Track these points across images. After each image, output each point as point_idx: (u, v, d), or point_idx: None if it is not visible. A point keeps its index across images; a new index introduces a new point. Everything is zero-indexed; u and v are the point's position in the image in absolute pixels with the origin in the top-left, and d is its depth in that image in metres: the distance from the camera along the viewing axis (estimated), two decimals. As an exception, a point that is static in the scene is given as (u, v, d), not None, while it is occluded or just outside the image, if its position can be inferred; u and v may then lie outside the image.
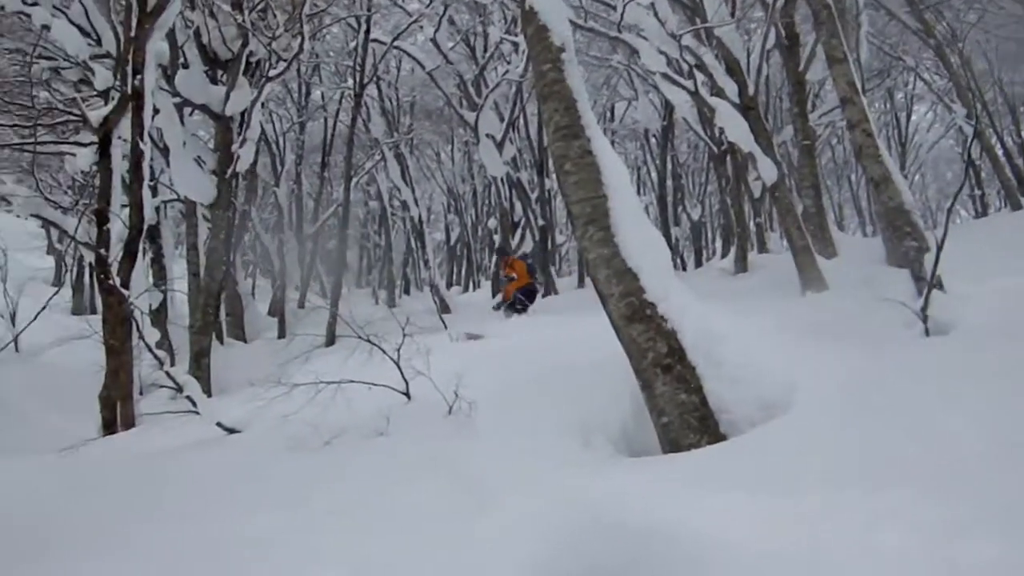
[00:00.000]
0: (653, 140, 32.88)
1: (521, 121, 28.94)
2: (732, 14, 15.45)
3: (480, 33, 27.52)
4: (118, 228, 11.09)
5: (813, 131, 18.05)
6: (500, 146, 24.99)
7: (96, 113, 11.34)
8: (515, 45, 25.50)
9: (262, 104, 16.76)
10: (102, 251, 10.45)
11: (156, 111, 13.38)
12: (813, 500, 3.86)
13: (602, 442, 6.15)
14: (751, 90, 14.26)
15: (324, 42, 27.54)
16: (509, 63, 26.61)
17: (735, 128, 13.12)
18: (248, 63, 15.92)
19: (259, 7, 16.10)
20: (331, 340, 16.27)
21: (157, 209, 18.79)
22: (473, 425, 6.33)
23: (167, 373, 8.20)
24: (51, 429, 11.52)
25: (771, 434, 5.08)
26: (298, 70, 26.71)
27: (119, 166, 11.38)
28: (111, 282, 9.88)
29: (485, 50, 27.37)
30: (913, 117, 37.41)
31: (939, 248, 7.72)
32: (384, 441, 6.38)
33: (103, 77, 13.33)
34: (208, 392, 13.05)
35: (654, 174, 33.49)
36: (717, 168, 25.62)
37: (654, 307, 5.79)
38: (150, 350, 8.73)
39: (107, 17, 15.03)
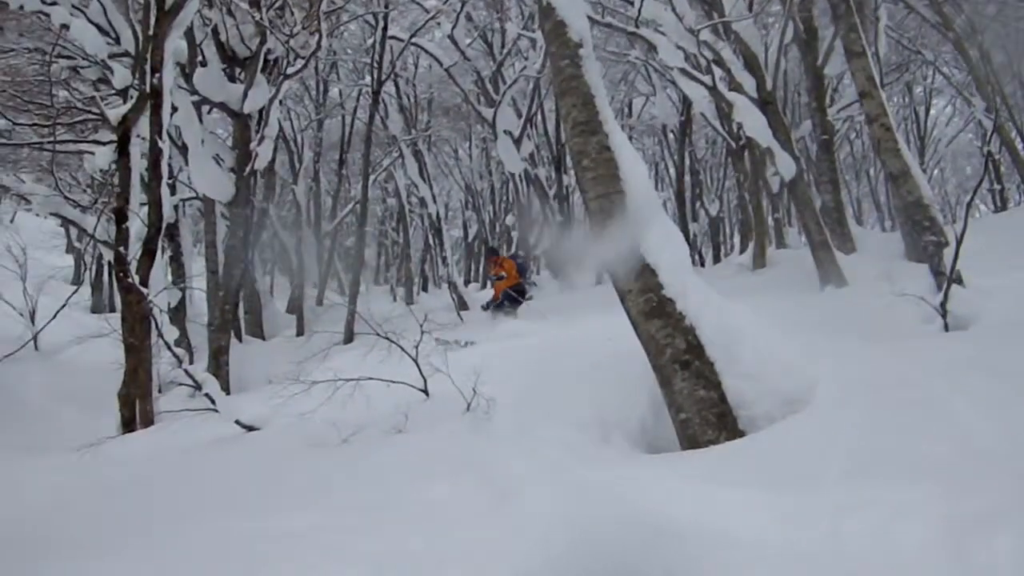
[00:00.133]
0: (671, 136, 32.81)
1: (539, 117, 28.94)
2: (750, 8, 15.43)
3: (497, 29, 27.58)
4: (137, 226, 11.15)
5: (831, 126, 17.95)
6: (518, 142, 25.02)
7: (115, 112, 11.39)
8: (532, 41, 25.56)
9: (280, 102, 16.79)
10: (121, 249, 10.49)
11: (174, 109, 13.45)
12: (833, 496, 3.83)
13: (620, 438, 6.14)
14: (769, 85, 14.21)
15: (342, 39, 27.60)
16: (526, 59, 26.67)
17: (753, 123, 13.10)
18: (266, 61, 15.96)
19: (277, 5, 16.14)
20: (349, 337, 16.29)
21: (176, 207, 18.92)
22: (492, 422, 6.32)
23: (186, 371, 8.22)
24: (70, 427, 11.56)
25: (790, 430, 5.06)
26: (316, 67, 26.82)
27: (138, 164, 11.43)
28: (130, 280, 9.93)
29: (502, 46, 27.42)
30: (932, 111, 37.26)
31: (958, 243, 7.69)
32: (403, 438, 6.37)
33: (122, 76, 13.40)
34: (227, 390, 13.07)
35: (672, 170, 33.42)
36: (735, 163, 25.59)
37: (672, 303, 5.78)
38: (169, 348, 8.78)
39: (125, 16, 15.12)
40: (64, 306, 16.39)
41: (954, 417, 4.56)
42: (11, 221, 33.46)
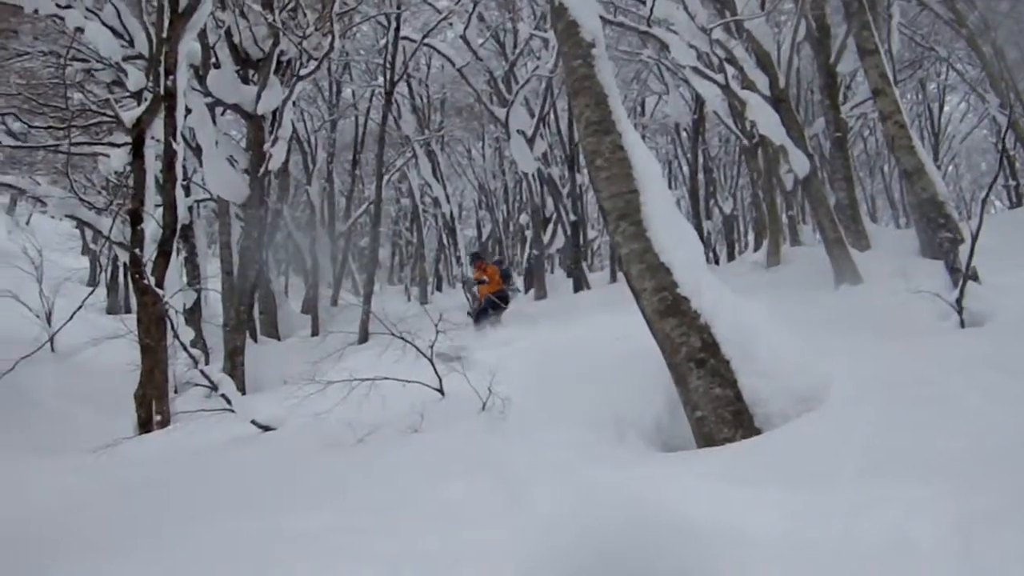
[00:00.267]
0: (684, 134, 32.70)
1: (552, 117, 28.87)
2: (762, 7, 15.39)
3: (510, 29, 27.54)
4: (152, 228, 11.20)
5: (845, 123, 17.89)
6: (531, 142, 25.00)
7: (129, 114, 11.45)
8: (545, 41, 25.51)
9: (293, 103, 16.84)
10: (136, 251, 10.53)
11: (188, 111, 13.50)
12: (848, 493, 3.83)
13: (635, 437, 6.15)
14: (782, 82, 14.16)
15: (354, 40, 27.64)
16: (539, 59, 26.63)
17: (766, 121, 13.07)
18: (279, 62, 16.01)
19: (289, 6, 16.18)
20: (364, 337, 16.29)
21: (190, 208, 18.95)
22: (507, 421, 6.33)
23: (202, 371, 8.26)
24: (87, 428, 11.59)
25: (806, 428, 5.06)
26: (329, 68, 26.85)
27: (152, 166, 11.48)
28: (145, 282, 9.98)
29: (515, 46, 27.39)
30: (946, 108, 37.10)
31: (974, 239, 7.67)
32: (418, 437, 6.38)
33: (136, 78, 13.46)
34: (242, 390, 13.10)
35: (685, 168, 33.34)
36: (749, 161, 25.52)
37: (687, 301, 5.78)
38: (185, 349, 8.81)
39: (139, 19, 15.18)
40: (80, 308, 16.43)
41: (969, 414, 4.56)
42: (27, 223, 33.65)
